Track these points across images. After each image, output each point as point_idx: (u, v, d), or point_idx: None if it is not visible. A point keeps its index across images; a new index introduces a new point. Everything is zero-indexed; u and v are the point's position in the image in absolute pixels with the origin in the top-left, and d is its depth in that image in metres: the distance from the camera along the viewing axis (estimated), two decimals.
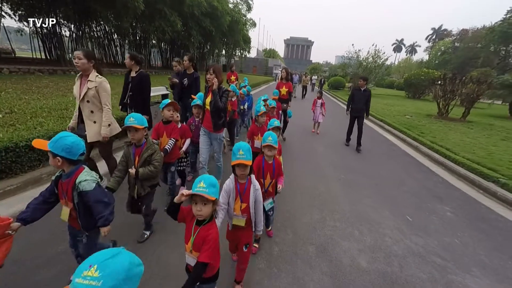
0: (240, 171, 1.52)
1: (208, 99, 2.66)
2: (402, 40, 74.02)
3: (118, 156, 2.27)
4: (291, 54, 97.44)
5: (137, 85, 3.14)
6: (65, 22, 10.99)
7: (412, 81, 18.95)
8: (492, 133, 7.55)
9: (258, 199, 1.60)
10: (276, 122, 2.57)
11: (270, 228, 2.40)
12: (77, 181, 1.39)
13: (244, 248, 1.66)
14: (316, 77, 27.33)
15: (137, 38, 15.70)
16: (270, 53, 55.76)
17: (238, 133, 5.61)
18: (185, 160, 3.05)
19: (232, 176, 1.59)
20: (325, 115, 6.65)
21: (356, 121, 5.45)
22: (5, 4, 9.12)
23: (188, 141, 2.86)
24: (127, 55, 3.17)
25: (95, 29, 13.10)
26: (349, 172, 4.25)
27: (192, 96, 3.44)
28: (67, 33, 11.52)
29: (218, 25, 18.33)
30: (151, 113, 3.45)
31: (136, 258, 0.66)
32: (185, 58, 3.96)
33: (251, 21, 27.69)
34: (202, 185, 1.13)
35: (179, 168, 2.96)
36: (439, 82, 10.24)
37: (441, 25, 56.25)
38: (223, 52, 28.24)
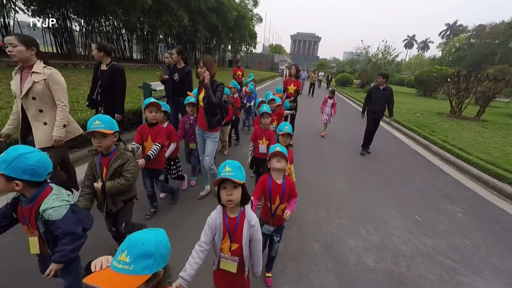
0: (226, 195, 1.09)
1: (202, 95, 2.40)
2: (413, 36, 71.40)
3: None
4: (297, 50, 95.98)
5: (108, 80, 2.75)
6: (75, 17, 11.17)
7: (424, 78, 18.31)
8: (508, 133, 7.23)
9: (255, 237, 1.19)
10: (287, 127, 2.10)
11: (270, 274, 1.82)
12: (41, 209, 1.08)
13: None
14: (322, 73, 26.81)
15: (145, 33, 15.78)
16: (276, 49, 55.07)
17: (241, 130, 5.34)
18: (174, 167, 2.70)
19: (219, 207, 1.19)
20: (334, 116, 5.97)
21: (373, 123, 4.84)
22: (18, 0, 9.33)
23: (172, 146, 2.49)
24: (93, 46, 2.73)
25: (103, 24, 13.25)
26: (355, 169, 4.17)
27: (188, 93, 3.12)
28: (77, 28, 11.71)
29: (225, 20, 18.22)
30: (123, 112, 3.08)
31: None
32: (174, 51, 3.55)
33: (257, 16, 27.40)
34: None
35: (173, 175, 2.71)
36: (448, 79, 9.82)
37: (456, 20, 54.22)
38: (229, 47, 28.09)
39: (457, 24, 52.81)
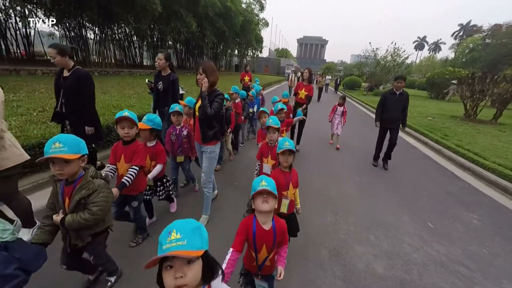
0: (172, 280, 0.66)
1: (198, 104, 2.15)
2: (424, 37, 69.78)
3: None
4: (304, 54, 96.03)
5: (72, 87, 2.38)
6: (90, 25, 11.75)
7: (435, 80, 17.79)
8: None
9: None
10: (287, 143, 1.65)
11: None
12: None
13: None
14: (330, 77, 26.58)
15: (155, 39, 16.33)
16: (283, 53, 55.38)
17: (244, 139, 5.08)
18: (162, 188, 2.34)
19: None
20: (343, 126, 5.36)
21: (388, 133, 4.29)
22: (39, 9, 9.95)
23: (158, 167, 2.16)
24: (51, 50, 2.28)
25: (116, 32, 13.83)
26: (364, 174, 4.09)
27: (181, 102, 2.79)
28: (91, 36, 12.29)
29: (231, 25, 18.58)
30: (98, 123, 2.69)
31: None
32: (160, 56, 3.21)
33: (263, 21, 27.70)
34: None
35: (160, 197, 2.35)
36: (454, 82, 9.47)
37: (470, 20, 52.37)
38: (236, 52, 28.48)
39: (471, 24, 51.25)
